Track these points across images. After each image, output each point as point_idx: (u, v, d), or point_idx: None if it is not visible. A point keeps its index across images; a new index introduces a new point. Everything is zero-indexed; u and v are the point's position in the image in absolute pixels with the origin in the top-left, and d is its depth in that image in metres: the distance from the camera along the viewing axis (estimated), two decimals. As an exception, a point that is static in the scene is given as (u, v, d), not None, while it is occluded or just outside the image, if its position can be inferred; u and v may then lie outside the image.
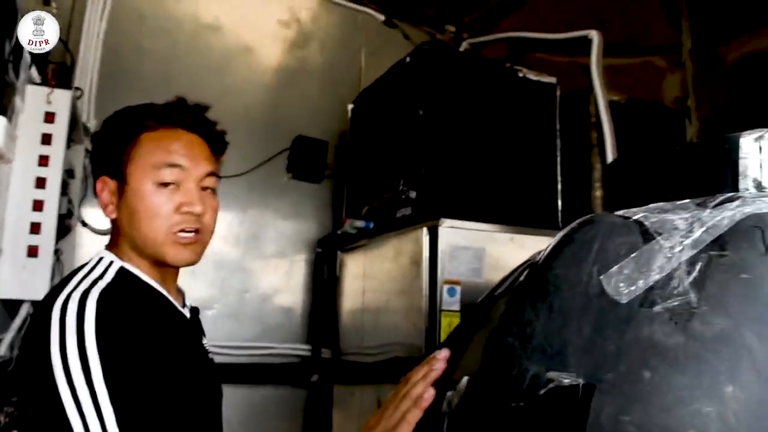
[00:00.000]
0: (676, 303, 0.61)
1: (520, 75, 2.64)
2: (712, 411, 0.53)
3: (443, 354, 0.89)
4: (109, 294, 0.98)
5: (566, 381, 0.62)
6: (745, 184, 0.81)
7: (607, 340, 0.63)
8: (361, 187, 2.81)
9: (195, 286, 2.81)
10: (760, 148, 0.84)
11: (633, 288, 0.65)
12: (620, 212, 0.81)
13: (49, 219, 1.92)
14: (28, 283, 1.88)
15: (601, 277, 0.69)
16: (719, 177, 0.85)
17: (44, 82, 2.00)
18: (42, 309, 0.97)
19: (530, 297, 0.75)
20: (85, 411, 0.87)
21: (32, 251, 1.89)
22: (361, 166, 2.85)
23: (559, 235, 0.84)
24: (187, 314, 1.22)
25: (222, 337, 2.88)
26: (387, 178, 2.51)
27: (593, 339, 0.64)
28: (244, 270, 3.08)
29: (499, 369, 0.72)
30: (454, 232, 2.12)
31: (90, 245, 2.73)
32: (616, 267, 0.68)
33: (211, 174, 1.15)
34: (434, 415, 0.80)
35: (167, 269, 1.16)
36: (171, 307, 1.16)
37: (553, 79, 2.72)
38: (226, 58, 3.19)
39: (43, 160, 1.93)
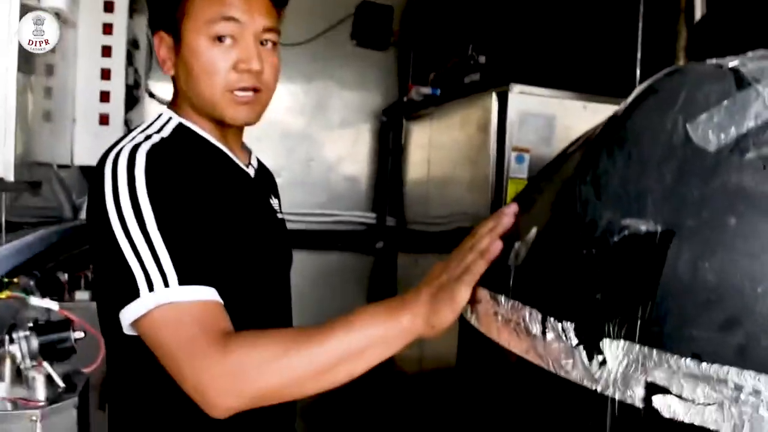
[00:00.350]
0: (771, 147, 0.57)
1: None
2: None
3: (511, 208, 0.86)
4: (163, 146, 0.97)
5: (643, 228, 0.60)
6: None
7: (691, 188, 0.59)
8: (428, 53, 2.72)
9: (261, 155, 2.83)
10: None
11: (723, 135, 0.60)
12: (713, 60, 0.75)
13: (117, 87, 1.95)
14: (102, 149, 1.93)
15: (688, 125, 0.64)
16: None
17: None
18: (98, 163, 0.97)
19: (607, 145, 0.71)
20: (143, 256, 0.87)
21: (103, 119, 1.94)
22: (428, 32, 2.75)
23: (643, 85, 0.79)
24: (251, 173, 1.18)
25: (289, 204, 2.92)
26: (455, 43, 2.42)
27: (674, 187, 0.61)
28: (309, 139, 3.09)
29: (570, 218, 0.70)
30: (524, 99, 2.04)
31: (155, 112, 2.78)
32: (705, 114, 0.63)
33: (270, 29, 1.05)
34: (501, 267, 0.80)
35: (228, 128, 1.11)
36: (231, 163, 1.12)
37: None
38: None
39: (107, 28, 1.93)
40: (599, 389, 0.61)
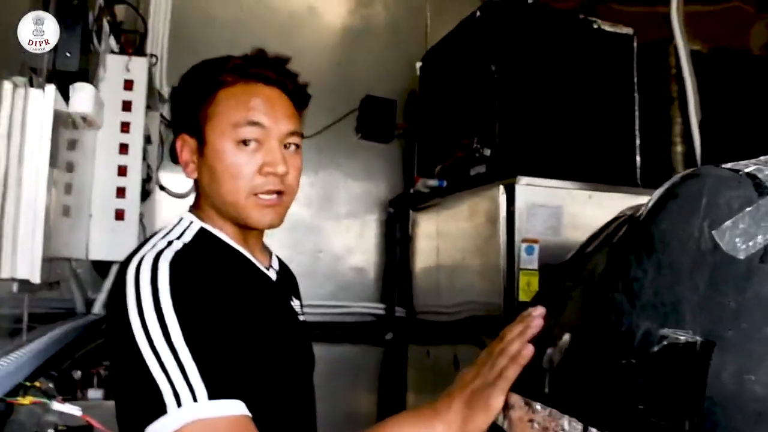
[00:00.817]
0: (801, 258, 0.58)
1: (595, 26, 2.54)
2: None
3: (539, 311, 0.87)
4: (185, 254, 0.96)
5: (683, 338, 0.60)
6: None
7: (726, 297, 0.60)
8: (432, 145, 2.78)
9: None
10: None
11: (752, 243, 0.62)
12: (727, 165, 0.77)
13: (133, 183, 1.99)
14: (117, 244, 1.96)
15: (714, 232, 0.66)
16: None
17: (122, 51, 2.05)
18: (119, 271, 0.96)
19: (635, 253, 0.73)
20: (169, 370, 0.84)
21: (119, 214, 1.97)
22: (432, 124, 2.82)
23: (661, 189, 0.81)
24: (273, 276, 1.18)
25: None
26: (459, 136, 2.48)
27: (709, 296, 0.62)
28: (317, 231, 3.13)
29: (605, 326, 0.70)
30: (531, 190, 2.08)
31: (168, 208, 2.83)
32: (730, 221, 0.65)
33: (294, 132, 1.08)
34: (533, 372, 0.80)
35: (250, 231, 1.11)
36: (253, 268, 1.12)
37: (629, 30, 2.60)
38: (290, 20, 3.20)
39: (125, 127, 1.99)
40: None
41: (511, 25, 2.37)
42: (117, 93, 1.95)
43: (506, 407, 0.85)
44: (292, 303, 1.24)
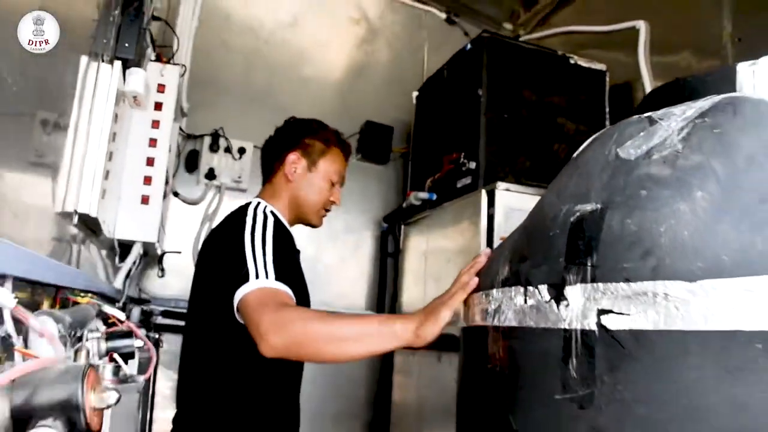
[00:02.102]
0: (667, 152, 0.86)
1: (572, 62, 2.88)
2: (686, 208, 0.78)
3: (486, 251, 1.24)
4: (275, 215, 1.70)
5: (588, 208, 0.87)
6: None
7: (618, 179, 0.88)
8: (424, 164, 3.08)
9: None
10: (753, 72, 1.07)
11: (639, 150, 0.90)
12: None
13: (159, 174, 2.25)
14: (139, 226, 2.21)
15: (618, 149, 0.94)
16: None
17: (156, 59, 2.34)
18: (239, 210, 1.69)
19: (567, 169, 1.01)
20: (257, 260, 1.44)
21: (144, 199, 2.22)
22: (425, 147, 3.12)
23: (593, 136, 1.09)
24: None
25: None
26: (448, 152, 2.78)
27: (609, 182, 0.89)
28: (316, 243, 3.38)
29: (541, 218, 0.98)
30: (509, 195, 2.36)
31: (179, 212, 3.08)
32: (629, 141, 0.93)
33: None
34: (489, 282, 1.07)
35: (297, 222, 1.89)
36: (291, 237, 1.79)
37: (602, 66, 2.95)
38: (301, 52, 3.53)
39: (155, 123, 2.26)
40: (566, 326, 0.86)
41: (496, 56, 2.70)
42: (151, 94, 2.23)
43: (467, 305, 1.13)
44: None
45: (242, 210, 1.65)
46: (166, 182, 2.85)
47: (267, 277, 1.39)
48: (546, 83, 2.78)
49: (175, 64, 2.37)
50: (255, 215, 1.60)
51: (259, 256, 1.45)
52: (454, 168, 2.69)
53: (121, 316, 1.32)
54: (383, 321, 1.26)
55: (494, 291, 1.04)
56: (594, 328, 0.82)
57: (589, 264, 0.84)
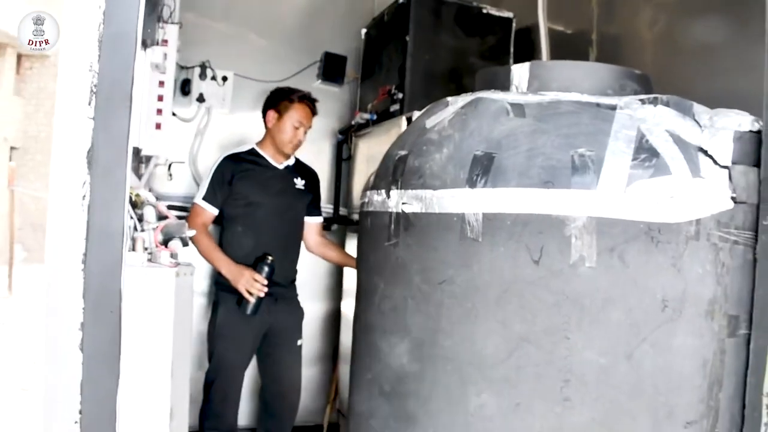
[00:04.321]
0: (440, 126, 1.77)
1: (484, 11, 3.67)
2: (438, 156, 1.71)
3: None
4: (232, 154, 3.26)
5: (402, 153, 1.80)
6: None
7: (418, 138, 1.80)
8: (369, 90, 3.93)
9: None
10: (519, 73, 1.96)
11: (431, 122, 1.81)
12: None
13: (166, 106, 3.11)
14: (155, 145, 3.10)
15: (426, 119, 1.85)
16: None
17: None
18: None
19: (405, 130, 1.93)
20: (201, 186, 3.19)
21: (157, 126, 3.10)
22: (370, 75, 3.97)
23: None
24: (280, 167, 3.32)
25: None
26: (384, 84, 3.63)
27: (414, 140, 1.81)
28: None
29: (388, 154, 1.91)
30: (422, 121, 3.25)
31: (177, 128, 3.94)
32: (431, 116, 1.84)
33: (309, 127, 3.29)
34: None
35: (278, 152, 3.26)
36: (266, 162, 3.28)
37: (510, 14, 3.73)
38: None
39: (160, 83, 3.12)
40: (391, 209, 1.80)
41: (422, 9, 3.50)
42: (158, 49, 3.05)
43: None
44: (295, 179, 3.40)
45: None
46: (167, 105, 3.69)
47: (199, 197, 3.15)
48: (462, 30, 3.60)
49: (173, 23, 3.17)
50: (215, 162, 3.22)
51: (203, 183, 3.19)
52: (387, 97, 3.56)
53: (172, 212, 2.23)
54: (218, 260, 3.07)
55: (368, 192, 1.97)
56: (400, 210, 1.76)
57: (399, 180, 1.77)
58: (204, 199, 3.13)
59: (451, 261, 1.63)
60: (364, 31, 4.13)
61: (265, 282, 3.00)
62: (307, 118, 3.26)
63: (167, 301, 1.77)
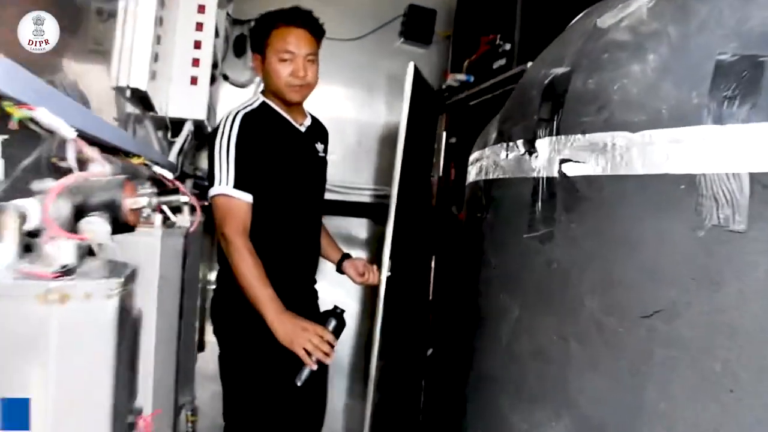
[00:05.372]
0: (633, 20, 0.95)
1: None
2: (637, 68, 0.88)
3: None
4: (249, 115, 1.98)
5: (560, 71, 0.98)
6: None
7: (588, 45, 0.98)
8: (465, 47, 3.12)
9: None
10: None
11: (614, 20, 0.99)
12: None
13: (206, 56, 2.39)
14: (191, 104, 2.38)
15: (598, 18, 1.03)
16: None
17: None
18: (221, 120, 1.97)
19: (544, 51, 1.11)
20: (222, 168, 1.88)
21: (193, 80, 2.38)
22: (466, 29, 3.15)
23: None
24: (302, 129, 2.15)
25: (341, 180, 3.38)
26: (485, 36, 2.81)
27: (581, 47, 0.99)
28: (358, 123, 3.52)
29: (526, 80, 1.09)
30: (540, 75, 2.42)
31: (229, 95, 3.25)
32: (609, 11, 1.02)
33: (310, 53, 2.03)
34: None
35: (290, 103, 2.07)
36: (287, 123, 2.09)
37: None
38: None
39: (201, 8, 2.39)
40: (536, 175, 0.99)
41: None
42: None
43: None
44: (316, 145, 2.21)
45: (221, 120, 1.98)
46: (215, 66, 3.01)
47: (227, 184, 1.87)
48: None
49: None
50: (224, 126, 1.94)
51: (223, 163, 1.89)
52: (490, 49, 2.73)
53: (169, 175, 1.51)
54: (264, 302, 1.81)
55: (486, 150, 1.17)
56: (556, 175, 0.95)
57: (555, 119, 0.96)
58: (236, 186, 1.89)
59: (672, 273, 0.81)
60: (459, -24, 3.31)
61: (335, 343, 1.91)
62: (298, 41, 2.02)
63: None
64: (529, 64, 2.39)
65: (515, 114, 1.07)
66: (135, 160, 1.46)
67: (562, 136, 0.94)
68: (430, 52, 3.61)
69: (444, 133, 3.30)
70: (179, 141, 2.43)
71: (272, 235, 2.02)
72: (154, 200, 1.47)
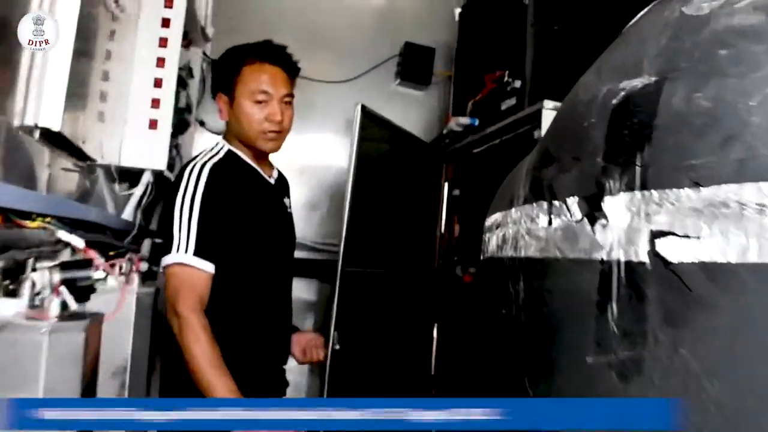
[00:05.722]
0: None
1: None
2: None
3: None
4: (217, 166, 1.60)
5: (638, 83, 0.59)
6: None
7: (683, 41, 0.59)
8: (467, 88, 2.78)
9: (301, 189, 2.95)
10: None
11: (714, 2, 0.61)
12: None
13: (167, 95, 2.03)
14: (149, 151, 2.01)
15: (683, 8, 0.65)
16: None
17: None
18: (180, 171, 1.61)
19: (613, 45, 0.72)
20: (182, 229, 1.51)
21: (152, 124, 2.02)
22: (469, 68, 2.82)
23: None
24: (272, 181, 1.81)
25: (324, 235, 3.00)
26: (491, 73, 2.47)
27: (669, 45, 0.61)
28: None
29: (576, 103, 0.70)
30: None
31: (204, 142, 2.89)
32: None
33: (287, 94, 1.70)
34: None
35: (260, 153, 1.74)
36: (258, 175, 1.75)
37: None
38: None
39: (163, 42, 2.04)
40: (605, 256, 0.60)
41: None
42: (158, 10, 2.01)
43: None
44: (284, 200, 1.87)
45: (181, 171, 1.63)
46: (190, 110, 2.65)
47: (187, 251, 1.51)
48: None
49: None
50: (188, 180, 1.59)
51: (184, 226, 1.54)
52: (496, 88, 2.38)
53: (79, 242, 1.12)
54: (221, 393, 1.43)
55: (512, 211, 0.78)
56: (645, 259, 0.56)
57: (638, 162, 0.57)
58: (197, 254, 1.51)
59: None
60: (458, 11, 3.01)
61: None
62: (274, 80, 1.69)
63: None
64: (546, 102, 2.06)
65: (561, 154, 0.68)
66: (31, 224, 1.07)
67: (654, 192, 0.54)
68: (428, 95, 3.29)
69: (446, 185, 2.92)
70: (137, 194, 2.05)
71: (238, 310, 1.65)
72: (57, 276, 1.10)
